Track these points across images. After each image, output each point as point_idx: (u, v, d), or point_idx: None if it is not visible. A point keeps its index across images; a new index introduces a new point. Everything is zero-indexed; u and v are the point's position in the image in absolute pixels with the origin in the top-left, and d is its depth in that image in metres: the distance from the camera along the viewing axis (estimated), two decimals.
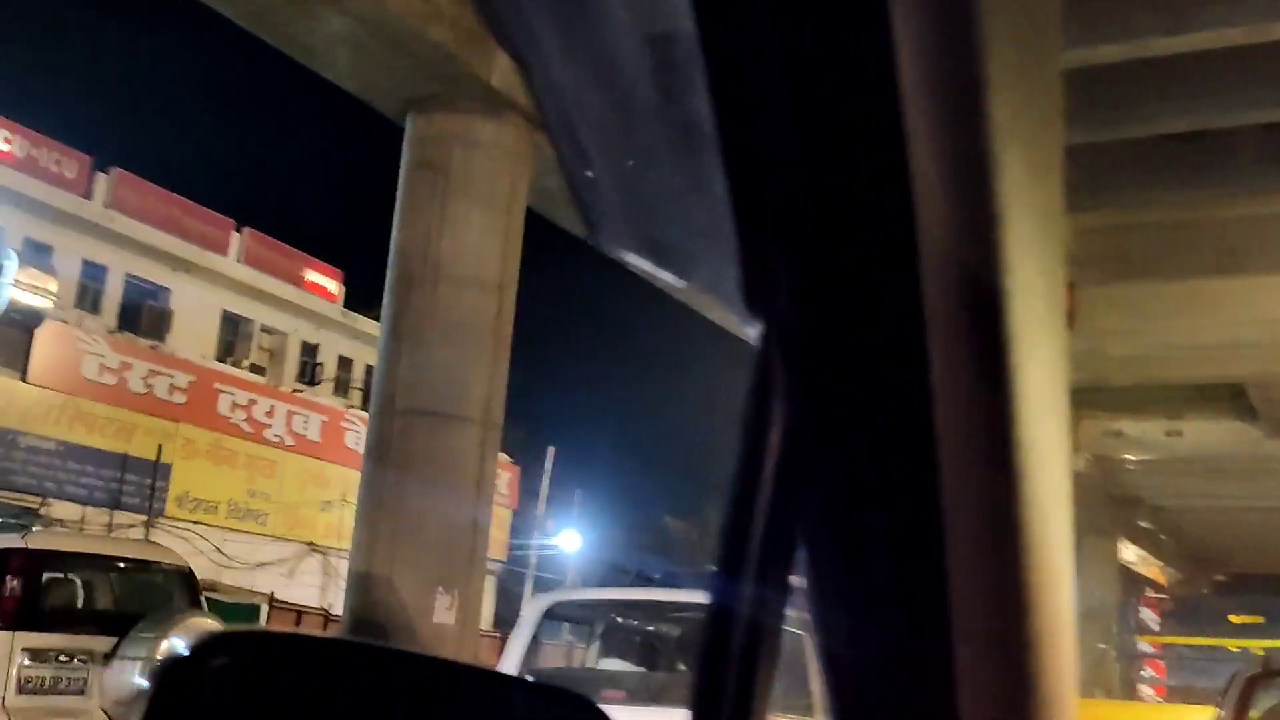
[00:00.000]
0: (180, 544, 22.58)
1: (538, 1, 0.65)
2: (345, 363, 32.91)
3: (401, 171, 12.09)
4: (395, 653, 1.79)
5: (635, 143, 0.69)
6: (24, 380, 20.94)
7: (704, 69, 0.52)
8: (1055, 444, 0.54)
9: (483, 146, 11.93)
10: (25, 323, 21.19)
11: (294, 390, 27.90)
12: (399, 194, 12.05)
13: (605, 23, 0.64)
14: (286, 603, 22.43)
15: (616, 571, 29.67)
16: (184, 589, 8.18)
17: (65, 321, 22.63)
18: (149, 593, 8.19)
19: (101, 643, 7.44)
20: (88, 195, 25.54)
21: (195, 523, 23.42)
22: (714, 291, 0.62)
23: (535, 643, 6.62)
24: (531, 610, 7.04)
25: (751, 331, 0.58)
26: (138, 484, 22.65)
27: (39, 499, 20.69)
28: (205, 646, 1.09)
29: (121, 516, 22.19)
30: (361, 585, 11.30)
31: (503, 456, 32.00)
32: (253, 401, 25.50)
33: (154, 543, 10.09)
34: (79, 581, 7.96)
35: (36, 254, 24.64)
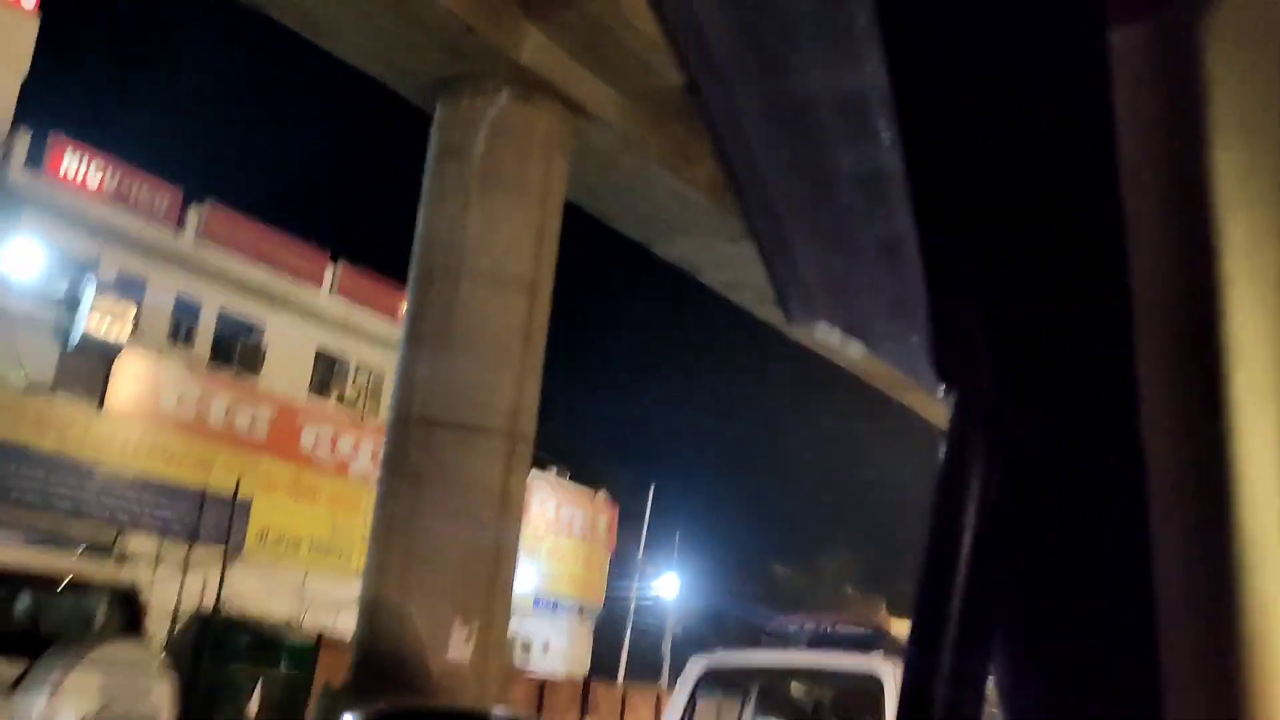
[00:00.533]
0: (261, 581, 21.99)
1: (748, 101, 0.67)
2: None
3: (427, 161, 11.09)
4: None
5: (837, 229, 0.72)
6: (102, 409, 20.61)
7: (905, 149, 0.54)
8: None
9: (510, 131, 10.84)
10: (105, 353, 20.91)
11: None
12: (424, 185, 11.03)
13: (807, 115, 0.66)
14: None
15: (718, 619, 28.04)
16: (121, 611, 7.13)
17: (145, 351, 22.34)
18: (78, 615, 7.17)
19: (9, 669, 6.42)
20: (180, 227, 25.46)
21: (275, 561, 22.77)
22: (900, 363, 0.68)
23: (692, 703, 6.60)
24: (690, 671, 7.01)
25: (941, 404, 0.59)
26: (217, 518, 22.08)
27: (115, 530, 20.23)
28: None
29: (200, 552, 21.64)
30: (371, 613, 10.15)
31: (601, 495, 30.92)
32: (337, 435, 24.85)
33: (100, 560, 9.16)
34: None
35: (129, 288, 24.57)
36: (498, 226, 10.67)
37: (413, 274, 10.85)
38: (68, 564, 7.23)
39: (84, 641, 6.72)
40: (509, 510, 10.56)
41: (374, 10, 10.03)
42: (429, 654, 9.74)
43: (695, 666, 7.42)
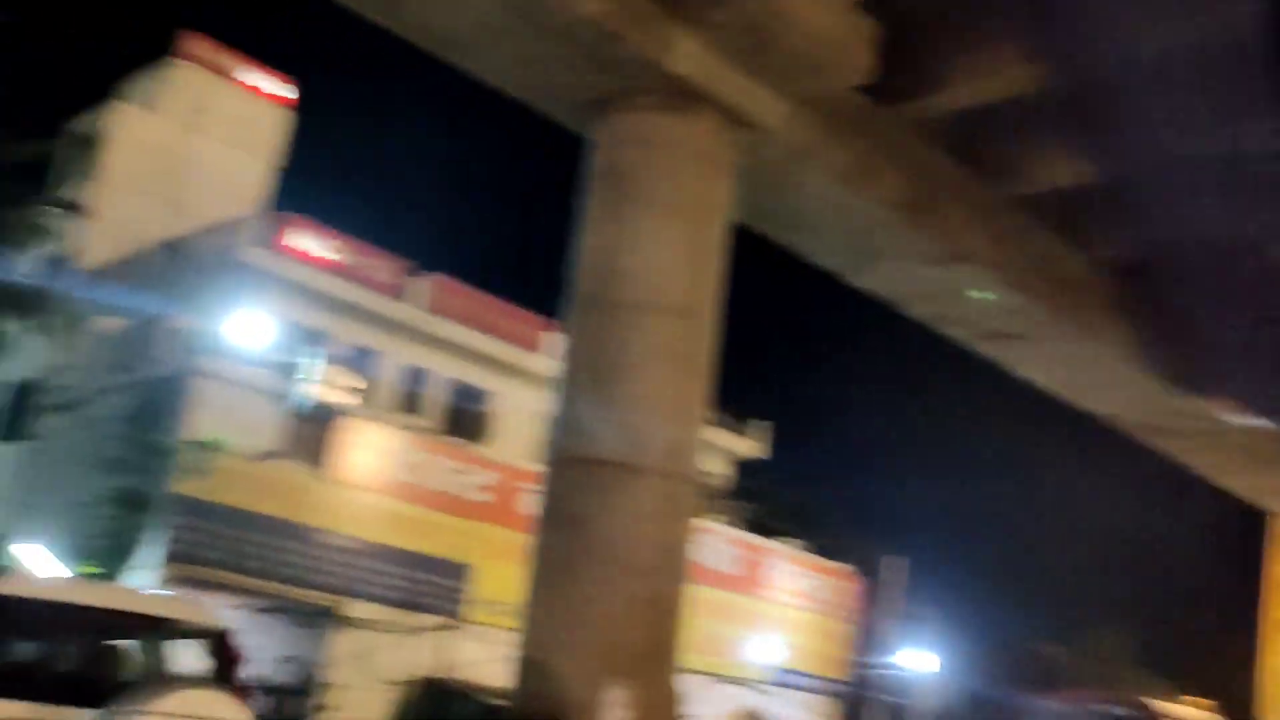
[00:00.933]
0: (481, 646, 21.61)
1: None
2: None
3: (585, 185, 10.38)
4: None
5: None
6: (327, 476, 20.91)
7: None
8: None
9: (664, 146, 9.98)
10: (326, 419, 21.30)
11: None
12: (581, 211, 10.31)
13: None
14: None
15: (976, 700, 25.69)
16: (208, 654, 6.54)
17: (372, 419, 22.67)
18: (155, 657, 6.64)
19: (75, 716, 5.90)
20: (401, 298, 25.99)
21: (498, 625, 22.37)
22: None
23: None
24: None
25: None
26: (438, 585, 21.96)
27: (334, 598, 20.35)
28: None
29: (422, 618, 21.55)
30: (524, 672, 9.28)
31: (845, 568, 29.22)
32: None
33: (179, 598, 8.84)
34: (59, 639, 6.56)
35: (358, 358, 25.18)
36: (650, 250, 9.79)
37: (568, 304, 10.08)
38: (152, 604, 6.71)
39: (155, 688, 6.13)
40: (673, 561, 9.50)
41: (508, 24, 9.44)
42: (575, 713, 8.74)
43: None
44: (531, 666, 9.18)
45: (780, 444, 32.97)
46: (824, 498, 31.18)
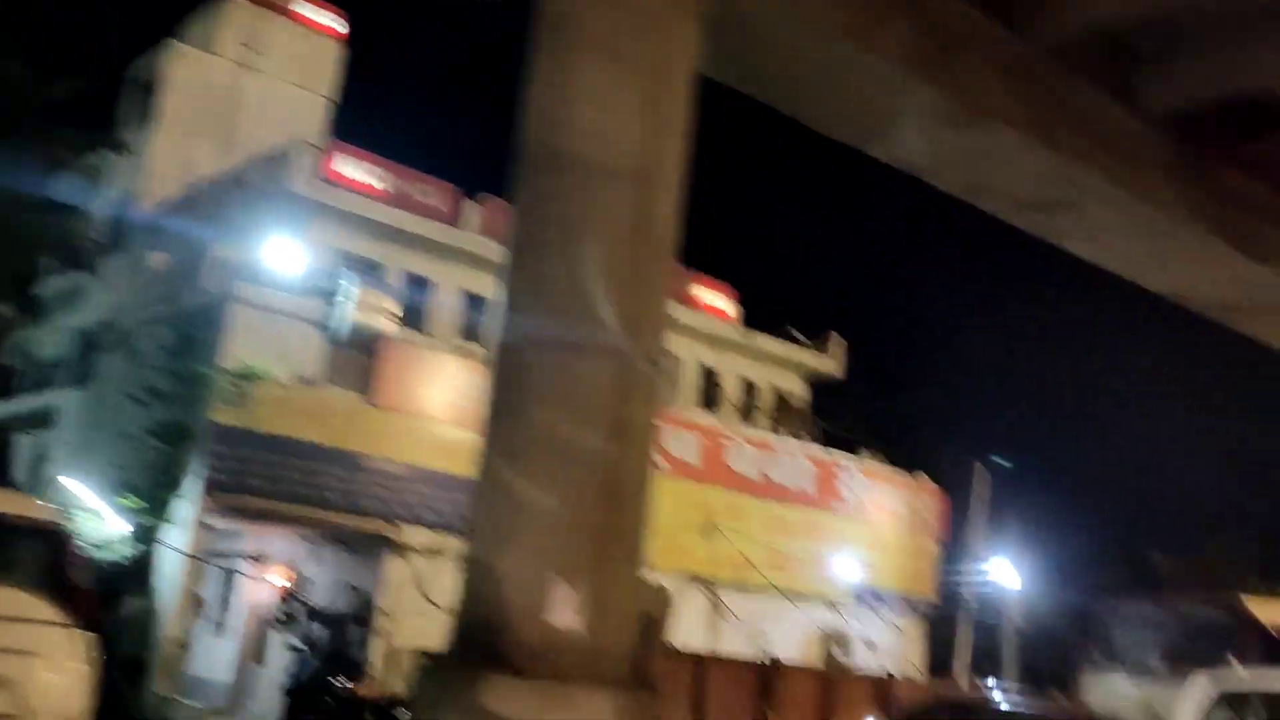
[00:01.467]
0: None
1: None
2: (751, 388, 30.62)
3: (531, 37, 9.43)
4: None
5: None
6: (367, 401, 20.56)
7: None
8: None
9: None
10: (370, 345, 20.91)
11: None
12: (527, 65, 9.37)
13: None
14: None
15: (1065, 608, 24.33)
16: (40, 553, 5.92)
17: (418, 343, 22.25)
18: None
19: None
20: (454, 224, 25.44)
21: None
22: None
23: None
24: (1197, 693, 6.28)
25: None
26: None
27: (388, 524, 20.04)
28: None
29: None
30: (469, 575, 8.54)
31: (923, 478, 27.92)
32: None
33: (20, 495, 8.24)
34: None
35: (416, 286, 24.75)
36: (600, 106, 8.80)
37: (514, 169, 9.17)
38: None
39: None
40: (629, 446, 8.61)
41: None
42: (525, 621, 7.98)
43: (1201, 688, 6.66)
44: (476, 567, 8.44)
45: (858, 359, 31.77)
46: (905, 410, 29.89)
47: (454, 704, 7.80)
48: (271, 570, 20.48)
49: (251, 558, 20.74)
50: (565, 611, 8.12)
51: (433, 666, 8.53)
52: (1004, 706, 12.88)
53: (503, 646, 7.97)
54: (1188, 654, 14.13)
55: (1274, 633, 14.18)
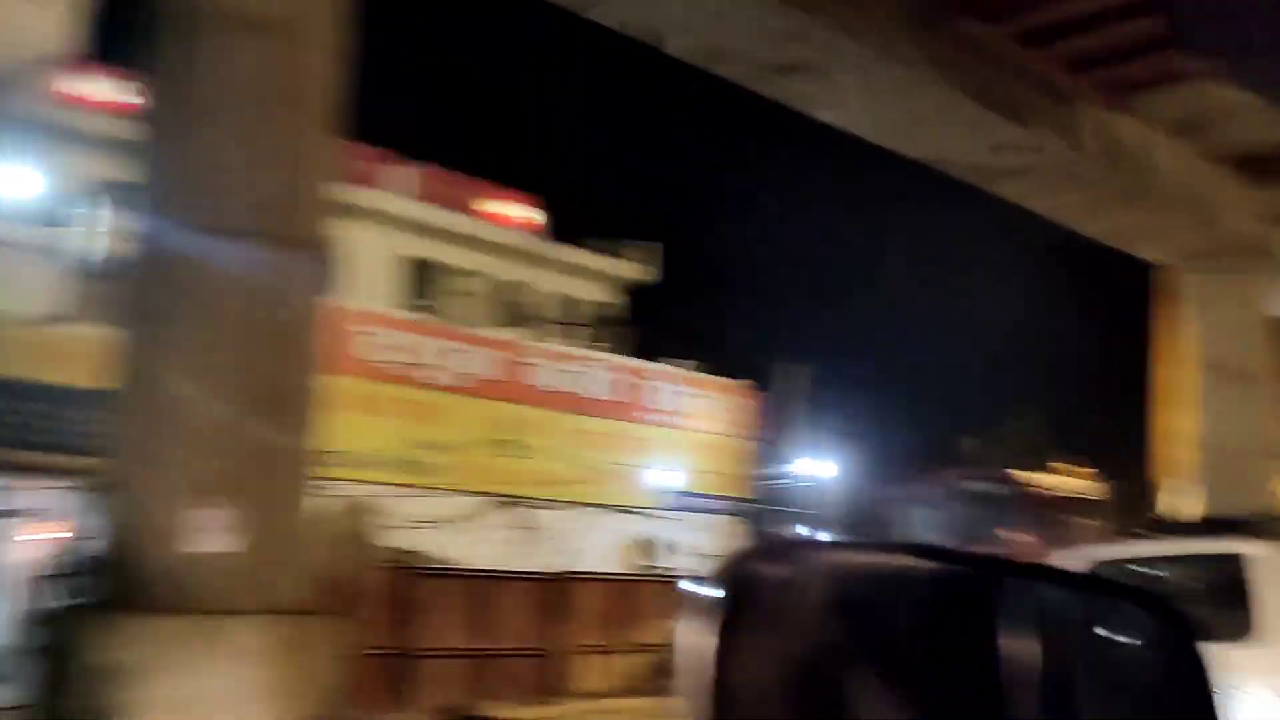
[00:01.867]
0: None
1: None
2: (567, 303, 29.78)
3: None
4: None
5: None
6: None
7: None
8: None
9: None
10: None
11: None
12: None
13: None
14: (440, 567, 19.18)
15: (869, 496, 24.44)
16: None
17: None
18: None
19: None
20: None
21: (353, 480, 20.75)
22: None
23: None
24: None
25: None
26: None
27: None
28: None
29: None
30: (111, 502, 7.49)
31: (739, 383, 27.64)
32: (412, 344, 22.54)
33: None
34: None
35: None
36: None
37: (152, 33, 7.93)
38: None
39: None
40: (287, 352, 7.61)
41: None
42: (167, 548, 6.98)
43: (1080, 559, 6.75)
44: (116, 492, 7.39)
45: (679, 266, 31.15)
46: (716, 316, 29.48)
47: (78, 654, 6.79)
48: (47, 526, 18.87)
49: (15, 513, 19.08)
50: (216, 534, 7.14)
51: (65, 612, 7.47)
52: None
53: (142, 578, 6.97)
54: (970, 526, 14.14)
55: (1044, 497, 14.22)
